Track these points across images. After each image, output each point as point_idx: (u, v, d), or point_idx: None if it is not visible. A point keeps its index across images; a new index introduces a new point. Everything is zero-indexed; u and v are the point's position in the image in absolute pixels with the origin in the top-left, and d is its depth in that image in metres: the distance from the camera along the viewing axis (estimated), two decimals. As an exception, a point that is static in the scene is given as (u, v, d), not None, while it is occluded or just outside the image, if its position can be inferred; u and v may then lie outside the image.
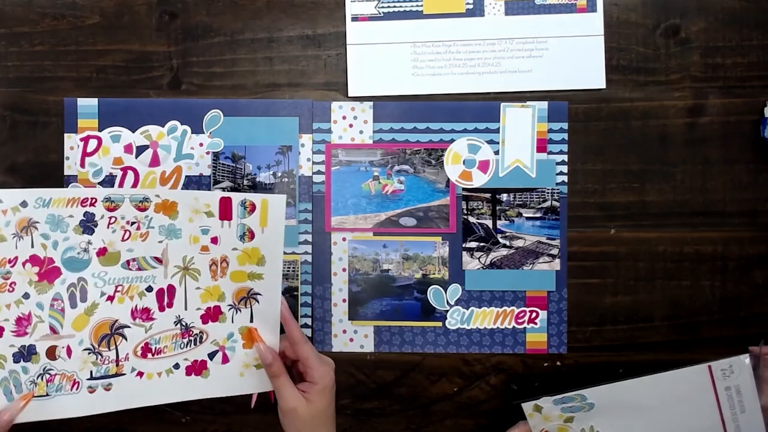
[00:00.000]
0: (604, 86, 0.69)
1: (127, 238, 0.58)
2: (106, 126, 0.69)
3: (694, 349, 0.69)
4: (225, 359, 0.60)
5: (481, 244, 0.69)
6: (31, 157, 0.69)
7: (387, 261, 0.69)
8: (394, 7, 0.69)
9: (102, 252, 0.58)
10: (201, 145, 0.69)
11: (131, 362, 0.59)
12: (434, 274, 0.69)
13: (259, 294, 0.60)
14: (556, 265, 0.69)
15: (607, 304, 0.69)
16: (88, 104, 0.69)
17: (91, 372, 0.58)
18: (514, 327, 0.69)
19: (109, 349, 0.59)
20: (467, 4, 0.69)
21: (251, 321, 0.60)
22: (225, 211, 0.58)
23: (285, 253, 0.69)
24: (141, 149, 0.69)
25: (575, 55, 0.69)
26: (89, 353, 0.58)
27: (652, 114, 0.69)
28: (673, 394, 0.63)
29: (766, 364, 0.63)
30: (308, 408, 0.58)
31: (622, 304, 0.69)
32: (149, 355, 0.59)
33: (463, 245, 0.69)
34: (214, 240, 0.59)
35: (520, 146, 0.69)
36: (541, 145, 0.69)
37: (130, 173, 0.69)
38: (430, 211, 0.69)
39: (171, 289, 0.59)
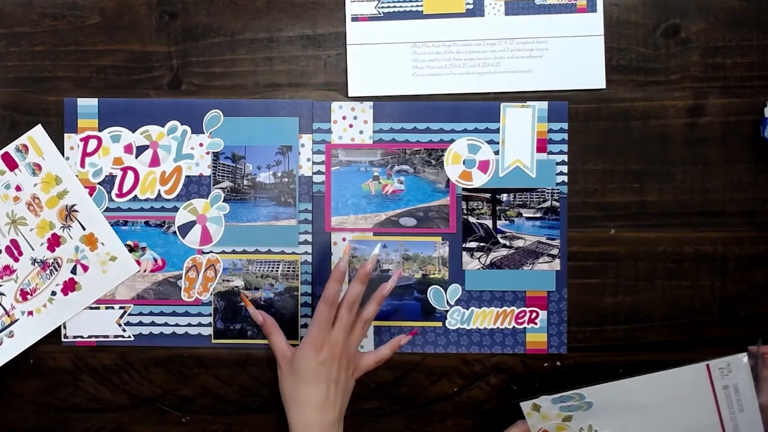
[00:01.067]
0: (604, 86, 0.69)
1: None
2: (106, 126, 0.69)
3: (694, 349, 0.69)
4: (85, 268, 0.69)
5: (481, 244, 0.69)
6: (31, 157, 0.69)
7: (387, 261, 0.69)
8: (394, 7, 0.69)
9: None
10: (201, 145, 0.69)
11: (17, 308, 0.69)
12: (434, 274, 0.69)
13: (75, 204, 0.69)
14: (556, 265, 0.69)
15: (607, 304, 0.69)
16: (88, 104, 0.69)
17: None
18: (514, 327, 0.69)
19: None
20: (467, 4, 0.69)
21: (84, 229, 0.69)
22: (10, 163, 0.68)
23: (285, 253, 0.69)
24: (141, 149, 0.69)
25: (575, 55, 0.69)
26: None
27: (652, 114, 0.69)
28: (672, 393, 0.63)
29: (765, 363, 0.63)
30: (293, 359, 0.64)
31: (622, 304, 0.69)
32: (29, 297, 0.69)
33: (463, 245, 0.69)
34: (18, 188, 0.68)
35: (520, 146, 0.69)
36: (541, 145, 0.69)
37: (130, 173, 0.69)
38: (430, 211, 0.69)
39: (13, 242, 0.69)
